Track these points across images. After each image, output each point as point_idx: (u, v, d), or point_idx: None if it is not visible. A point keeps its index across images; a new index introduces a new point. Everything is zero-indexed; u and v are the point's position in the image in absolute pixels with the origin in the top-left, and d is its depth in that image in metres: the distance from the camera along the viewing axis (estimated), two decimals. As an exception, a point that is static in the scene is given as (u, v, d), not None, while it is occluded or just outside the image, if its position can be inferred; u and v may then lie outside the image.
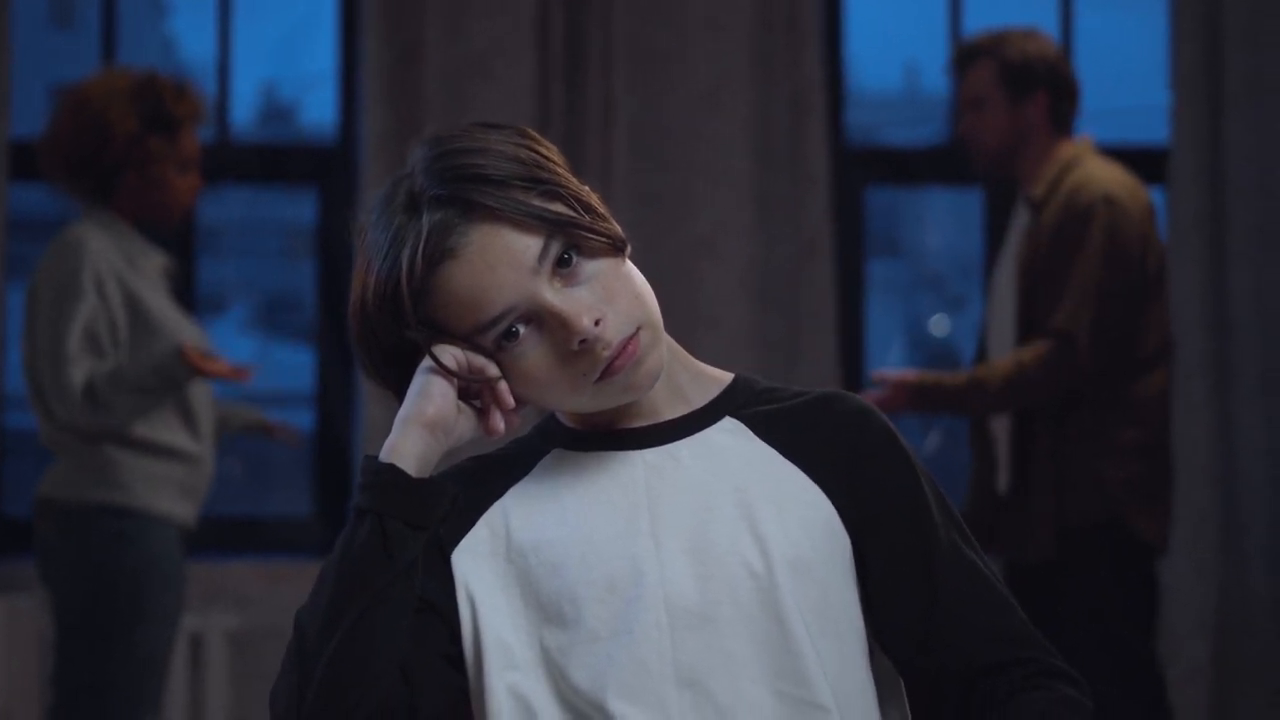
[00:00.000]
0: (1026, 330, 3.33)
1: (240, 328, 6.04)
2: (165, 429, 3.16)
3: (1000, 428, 3.42)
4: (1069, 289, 3.25)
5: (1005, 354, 3.37)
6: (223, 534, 4.29)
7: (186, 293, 4.16)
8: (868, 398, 3.23)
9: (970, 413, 3.40)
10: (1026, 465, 3.31)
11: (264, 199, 5.68)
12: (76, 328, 3.08)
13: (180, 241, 4.20)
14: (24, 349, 3.17)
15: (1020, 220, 3.45)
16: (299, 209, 4.75)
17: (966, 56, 3.47)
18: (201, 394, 3.23)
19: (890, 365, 4.01)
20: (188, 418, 3.20)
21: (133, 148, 3.19)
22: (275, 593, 4.06)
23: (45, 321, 3.10)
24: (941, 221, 6.23)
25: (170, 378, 3.05)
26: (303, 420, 4.63)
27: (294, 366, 5.03)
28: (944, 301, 6.22)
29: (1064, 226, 3.29)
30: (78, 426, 3.09)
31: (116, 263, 3.16)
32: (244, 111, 5.56)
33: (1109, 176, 3.33)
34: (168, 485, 3.15)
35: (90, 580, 3.07)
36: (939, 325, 6.31)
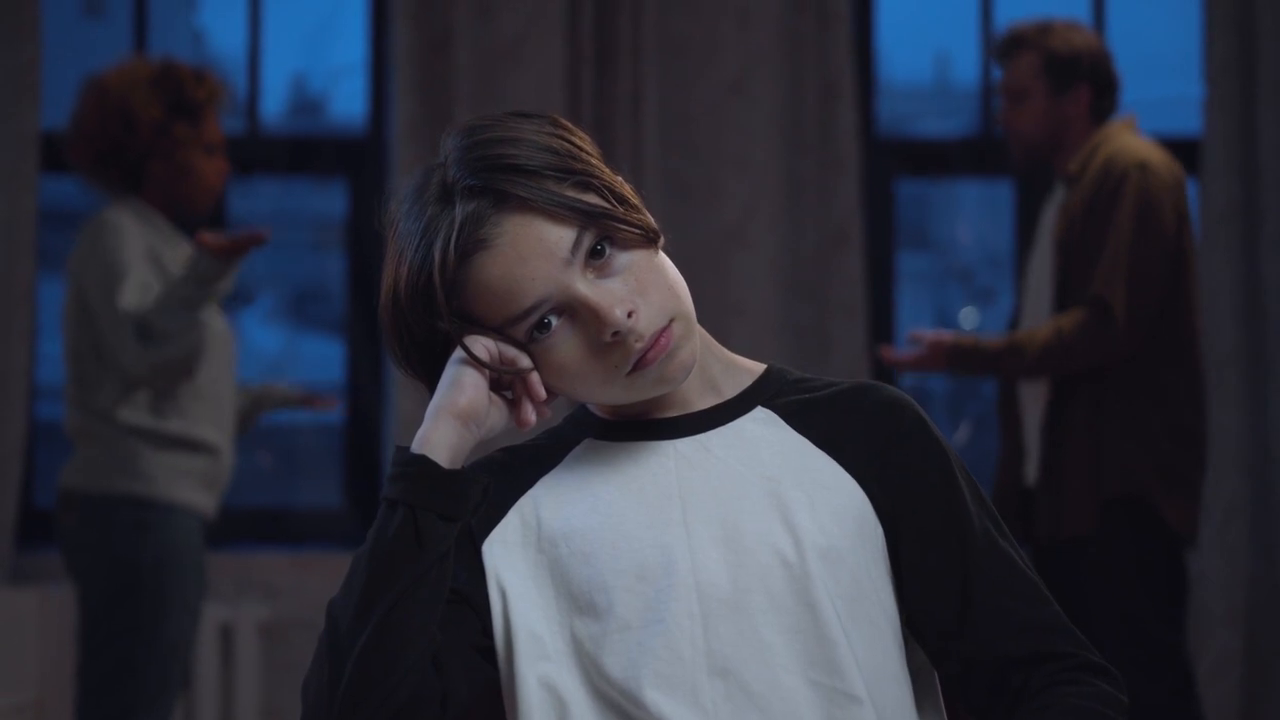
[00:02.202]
0: (1063, 305, 3.31)
1: (266, 318, 6.05)
2: (187, 420, 3.16)
3: (1033, 412, 3.41)
4: (1104, 255, 3.24)
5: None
6: (253, 524, 4.30)
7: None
8: (903, 356, 3.26)
9: (1006, 376, 3.40)
10: (1060, 445, 3.30)
11: (294, 190, 5.68)
12: (130, 293, 3.08)
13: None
14: (68, 335, 3.18)
15: (1055, 199, 3.43)
16: (329, 200, 4.76)
17: (1010, 46, 3.44)
18: (223, 385, 3.23)
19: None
20: (209, 409, 3.20)
21: (159, 135, 3.19)
22: (305, 583, 4.07)
23: (100, 298, 3.10)
24: (972, 214, 6.21)
25: (203, 275, 3.02)
26: (333, 412, 4.64)
27: (324, 358, 5.04)
28: (972, 294, 6.20)
29: (1098, 193, 3.28)
30: (153, 372, 3.06)
31: (151, 243, 3.17)
32: (274, 103, 5.56)
33: (1142, 146, 3.34)
34: (189, 476, 3.15)
35: (113, 570, 3.08)
36: (968, 318, 6.29)
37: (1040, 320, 3.40)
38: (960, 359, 3.32)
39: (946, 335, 3.33)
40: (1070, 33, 3.42)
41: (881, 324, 4.38)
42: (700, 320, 1.49)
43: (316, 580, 4.00)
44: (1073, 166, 3.36)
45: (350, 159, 4.44)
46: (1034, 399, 3.42)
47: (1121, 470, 3.27)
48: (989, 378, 3.47)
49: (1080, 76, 3.38)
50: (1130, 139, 3.36)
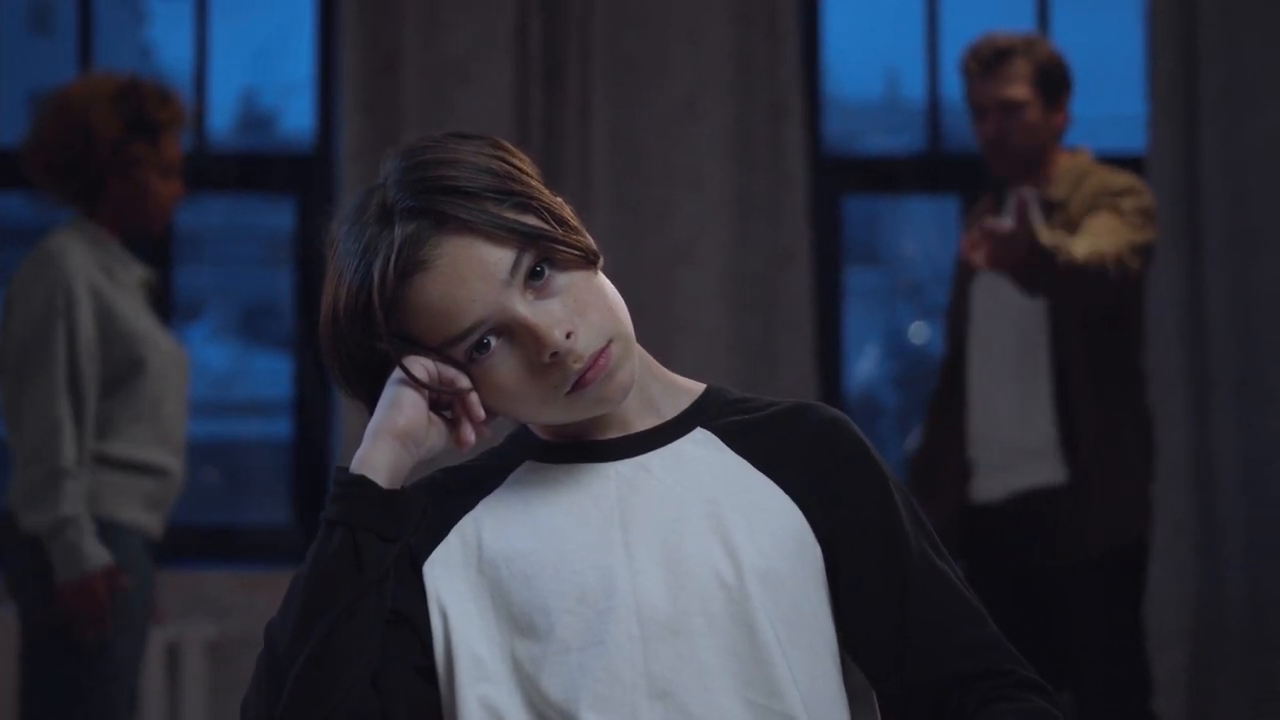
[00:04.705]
0: (1059, 321, 3.31)
1: (215, 334, 6.04)
2: (136, 445, 3.13)
3: (984, 429, 3.42)
4: (1120, 226, 3.23)
5: (1004, 351, 3.37)
6: (200, 543, 4.28)
7: (164, 300, 4.14)
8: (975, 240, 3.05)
9: (1038, 277, 3.13)
10: (1074, 470, 3.31)
11: (243, 207, 5.67)
12: (60, 371, 3.04)
13: (159, 249, 4.18)
14: (4, 361, 3.15)
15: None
16: (278, 217, 4.75)
17: (998, 56, 3.39)
18: (172, 406, 3.21)
19: (865, 372, 4.00)
20: (156, 430, 3.18)
21: (116, 152, 3.17)
22: (253, 602, 4.05)
23: (26, 348, 3.06)
24: (920, 230, 6.25)
25: (60, 559, 2.99)
26: (281, 428, 4.63)
27: (272, 374, 5.03)
28: (922, 309, 6.23)
29: (1099, 197, 3.29)
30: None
31: (94, 275, 3.14)
32: (222, 119, 5.55)
33: (1134, 180, 3.38)
34: (135, 496, 3.13)
35: (56, 592, 3.05)
36: (918, 333, 6.33)
37: (999, 335, 3.40)
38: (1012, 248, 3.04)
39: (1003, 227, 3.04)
40: (1048, 44, 3.45)
41: (829, 341, 4.40)
42: (648, 338, 1.49)
43: (264, 599, 3.98)
44: (1058, 192, 3.36)
45: (299, 176, 4.43)
46: (986, 416, 3.43)
47: (1130, 504, 3.34)
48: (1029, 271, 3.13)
49: (1067, 86, 3.41)
50: (1110, 170, 3.39)
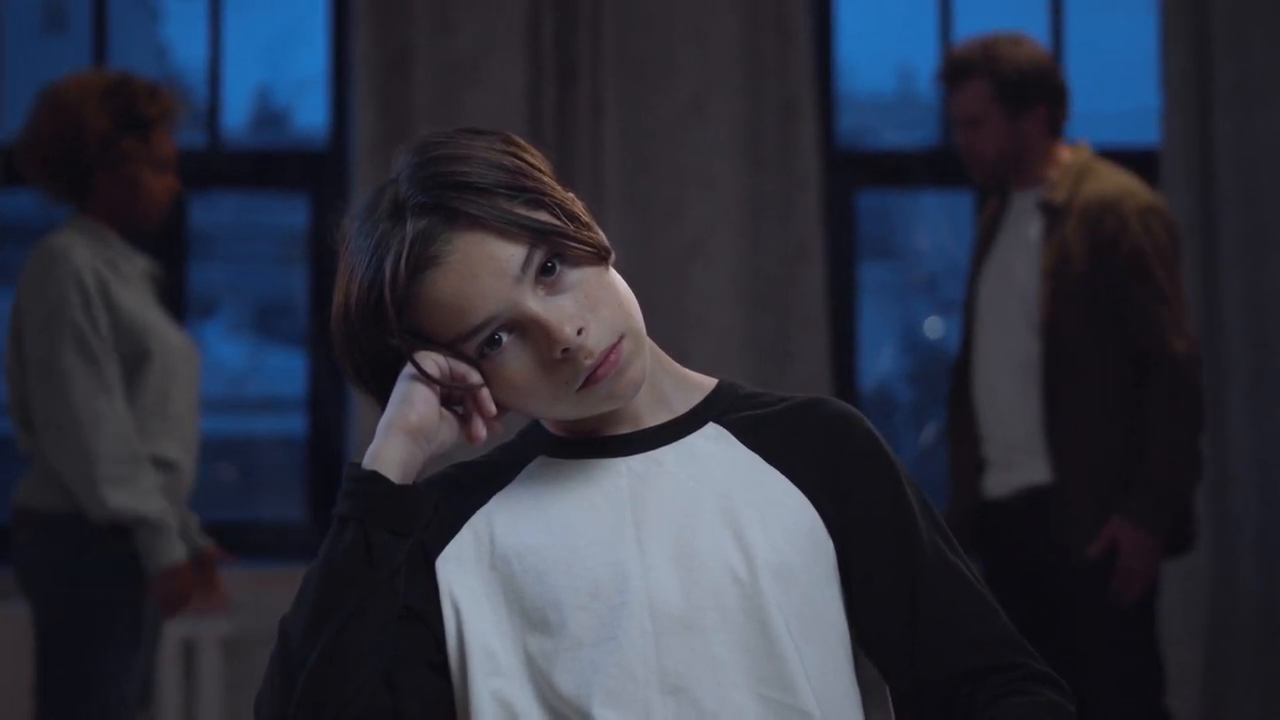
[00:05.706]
0: (1053, 336, 3.29)
1: (229, 331, 6.05)
2: (144, 438, 3.13)
3: (993, 424, 3.41)
4: (1163, 309, 3.25)
5: (1003, 347, 3.36)
6: (215, 538, 4.28)
7: (178, 298, 4.15)
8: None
9: (1184, 500, 3.37)
10: (1076, 465, 3.30)
11: (256, 204, 5.68)
12: (107, 362, 3.06)
13: (172, 246, 4.19)
14: (10, 363, 3.15)
15: (1031, 224, 3.39)
16: (292, 214, 4.76)
17: (957, 72, 3.40)
18: (184, 401, 3.21)
19: (879, 366, 4.00)
20: (168, 425, 3.17)
21: (106, 148, 3.17)
22: (268, 598, 4.03)
23: (53, 342, 3.07)
24: (934, 224, 6.24)
25: (148, 559, 3.07)
26: (295, 425, 4.64)
27: (287, 371, 5.04)
28: (937, 304, 6.23)
29: (1118, 242, 3.25)
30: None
31: (99, 268, 3.14)
32: (236, 116, 5.56)
33: (1134, 184, 3.33)
34: None
35: (68, 588, 3.06)
36: (932, 328, 6.32)
37: (1007, 338, 3.38)
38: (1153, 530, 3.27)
39: (1122, 529, 3.25)
40: (1016, 50, 3.37)
41: (843, 337, 4.39)
42: (661, 337, 1.49)
43: (279, 595, 3.95)
44: (1055, 196, 3.32)
45: (312, 172, 4.43)
46: (990, 412, 3.42)
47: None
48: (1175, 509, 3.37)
49: (1035, 95, 3.36)
50: (1115, 173, 3.35)
